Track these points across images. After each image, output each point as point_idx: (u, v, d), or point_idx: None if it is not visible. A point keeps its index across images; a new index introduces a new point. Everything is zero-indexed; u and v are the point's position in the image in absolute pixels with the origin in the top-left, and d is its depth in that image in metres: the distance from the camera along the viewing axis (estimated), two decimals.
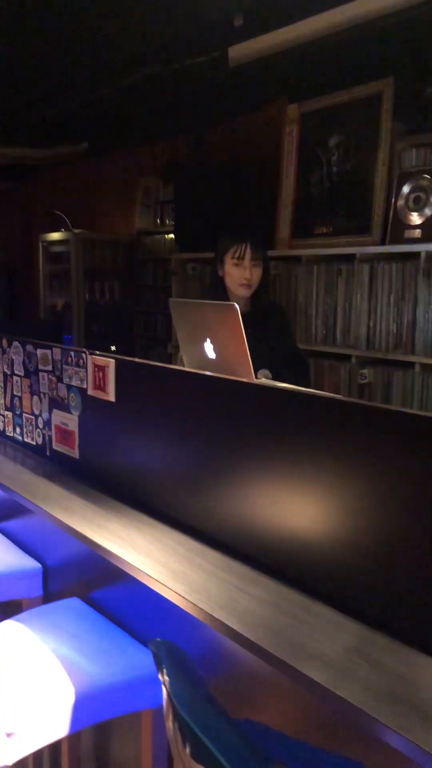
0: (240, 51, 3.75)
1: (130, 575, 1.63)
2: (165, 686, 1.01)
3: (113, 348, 5.59)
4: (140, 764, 1.76)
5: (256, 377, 2.40)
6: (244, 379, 1.83)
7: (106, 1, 3.25)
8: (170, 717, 1.00)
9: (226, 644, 1.48)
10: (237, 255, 2.62)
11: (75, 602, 2.02)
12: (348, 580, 1.39)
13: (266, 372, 2.44)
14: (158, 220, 6.07)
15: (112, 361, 2.08)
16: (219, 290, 2.71)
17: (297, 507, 1.49)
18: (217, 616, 1.37)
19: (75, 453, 2.30)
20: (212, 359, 2.07)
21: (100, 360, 2.13)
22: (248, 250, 2.61)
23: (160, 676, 1.03)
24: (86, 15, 3.48)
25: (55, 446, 2.42)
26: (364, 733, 1.10)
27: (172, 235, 5.75)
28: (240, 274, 2.64)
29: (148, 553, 1.67)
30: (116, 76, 4.39)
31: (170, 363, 3.85)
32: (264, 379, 2.34)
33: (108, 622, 1.91)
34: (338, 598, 1.40)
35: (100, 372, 2.12)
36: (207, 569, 1.59)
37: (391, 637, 1.28)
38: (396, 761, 1.09)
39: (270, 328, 2.70)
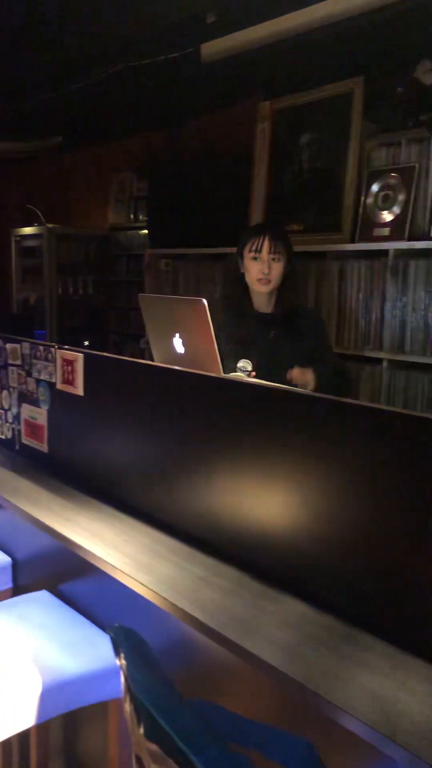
0: (212, 48, 3.77)
1: (98, 568, 1.65)
2: (122, 670, 1.04)
3: (86, 343, 5.58)
4: (107, 752, 1.79)
5: (238, 366, 2.41)
6: (212, 374, 1.86)
7: None
8: (127, 699, 1.03)
9: (190, 633, 1.51)
10: (254, 248, 2.47)
11: (44, 595, 2.03)
12: (309, 570, 1.42)
13: (246, 362, 2.41)
14: (132, 215, 6.07)
15: (81, 355, 2.10)
16: (238, 288, 2.59)
17: (261, 500, 1.53)
18: (180, 606, 1.40)
19: (44, 447, 2.32)
20: (181, 354, 2.09)
21: (69, 354, 2.14)
22: (266, 243, 2.46)
23: (117, 661, 1.06)
24: (59, 8, 3.48)
25: (24, 440, 2.43)
26: (317, 714, 1.14)
27: (145, 231, 5.76)
28: (257, 268, 2.48)
29: (115, 546, 1.69)
30: (89, 70, 4.39)
31: (143, 358, 3.86)
32: (233, 374, 2.36)
33: (76, 614, 1.93)
34: (300, 587, 1.44)
35: (69, 366, 2.14)
36: (173, 561, 1.62)
37: (349, 625, 1.32)
38: (347, 740, 1.13)
39: (297, 330, 2.55)
